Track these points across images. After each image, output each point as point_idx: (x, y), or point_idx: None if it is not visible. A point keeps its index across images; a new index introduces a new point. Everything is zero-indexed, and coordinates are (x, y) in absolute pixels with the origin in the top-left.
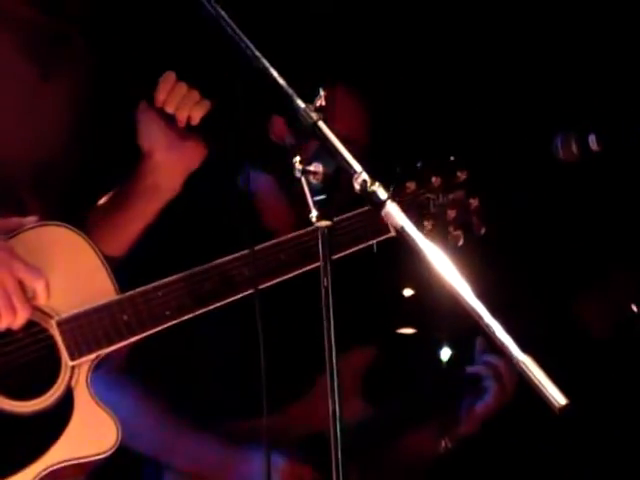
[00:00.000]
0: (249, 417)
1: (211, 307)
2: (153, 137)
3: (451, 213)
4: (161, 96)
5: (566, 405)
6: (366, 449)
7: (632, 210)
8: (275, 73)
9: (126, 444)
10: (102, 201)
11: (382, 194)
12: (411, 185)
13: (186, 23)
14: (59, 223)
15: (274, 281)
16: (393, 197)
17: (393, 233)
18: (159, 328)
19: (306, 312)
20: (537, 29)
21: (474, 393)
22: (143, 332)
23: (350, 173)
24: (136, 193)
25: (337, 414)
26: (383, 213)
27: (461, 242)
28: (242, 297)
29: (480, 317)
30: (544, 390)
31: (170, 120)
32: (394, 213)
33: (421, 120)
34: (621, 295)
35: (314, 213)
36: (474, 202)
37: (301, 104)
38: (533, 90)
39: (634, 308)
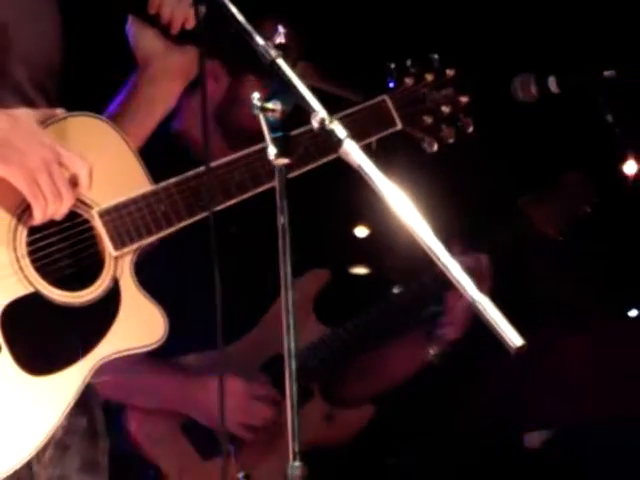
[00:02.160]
0: (204, 349)
1: (239, 198)
2: (148, 46)
3: (445, 109)
4: (155, 2)
5: (522, 346)
6: (326, 367)
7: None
8: (234, 9)
9: None
10: None
11: (340, 132)
12: (409, 81)
13: None
14: (90, 113)
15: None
16: (394, 92)
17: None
18: (194, 219)
19: (260, 241)
20: None
21: (434, 299)
22: (180, 223)
23: (309, 111)
24: (132, 109)
25: (292, 349)
26: (341, 151)
27: (453, 139)
28: (196, 232)
29: (437, 257)
30: (501, 331)
31: (163, 30)
32: (353, 151)
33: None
34: (572, 197)
35: (272, 150)
36: (464, 99)
37: (260, 41)
38: (495, 30)
39: (587, 209)
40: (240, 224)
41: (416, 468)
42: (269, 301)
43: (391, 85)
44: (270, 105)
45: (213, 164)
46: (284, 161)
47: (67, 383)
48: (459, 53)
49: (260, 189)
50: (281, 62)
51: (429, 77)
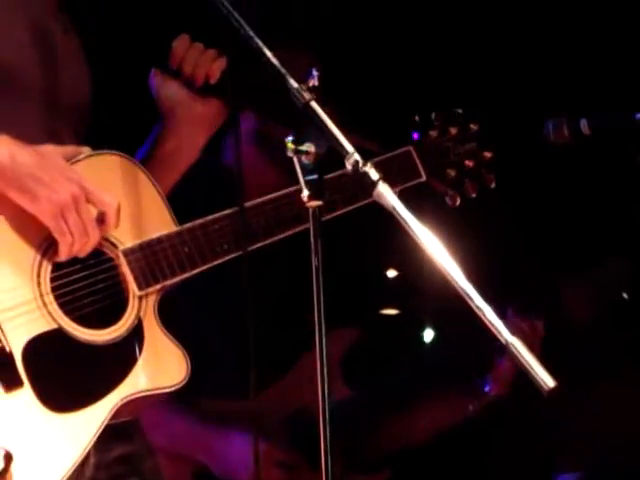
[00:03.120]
0: (229, 397)
1: (264, 242)
2: (171, 98)
3: (468, 163)
4: (178, 55)
5: (554, 387)
6: (347, 431)
7: (623, 197)
8: (269, 53)
9: None
10: None
11: (374, 174)
12: (433, 133)
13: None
14: (117, 152)
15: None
16: (419, 144)
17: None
18: (218, 261)
19: (289, 292)
20: (532, 13)
21: (500, 353)
22: (204, 265)
23: (342, 154)
24: (157, 160)
25: (325, 395)
26: (375, 194)
27: (475, 194)
28: (224, 281)
29: (471, 299)
30: (533, 372)
31: (186, 82)
32: (386, 193)
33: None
34: (613, 282)
35: (305, 193)
36: (487, 154)
37: (294, 84)
38: (527, 74)
39: (625, 295)
40: (270, 270)
41: None
42: (298, 352)
43: (415, 137)
44: (304, 148)
45: (247, 204)
46: (317, 203)
47: (88, 421)
48: (489, 99)
49: (285, 234)
50: (314, 105)
51: (453, 130)
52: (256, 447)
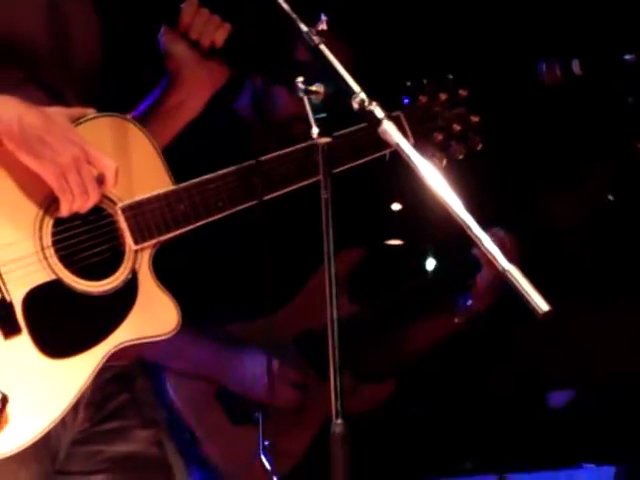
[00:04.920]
0: (246, 320)
1: (255, 202)
2: (179, 56)
3: (456, 127)
4: (185, 21)
5: (549, 311)
6: (353, 344)
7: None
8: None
9: None
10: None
11: (379, 112)
12: (423, 98)
13: None
14: (120, 115)
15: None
16: (409, 109)
17: (391, 149)
18: (212, 218)
19: (299, 217)
20: None
21: (467, 276)
22: (198, 221)
23: (349, 93)
24: (160, 112)
25: (334, 317)
26: (380, 130)
27: (462, 156)
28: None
29: (469, 228)
30: (528, 297)
31: (193, 44)
32: (390, 130)
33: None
34: (593, 188)
35: (315, 130)
36: (475, 118)
37: (304, 27)
38: (520, 16)
39: (610, 197)
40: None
41: (443, 424)
42: (307, 275)
43: (406, 102)
44: (314, 88)
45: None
46: (326, 140)
47: (82, 367)
48: (483, 42)
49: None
50: (323, 47)
51: (443, 96)
52: (269, 364)
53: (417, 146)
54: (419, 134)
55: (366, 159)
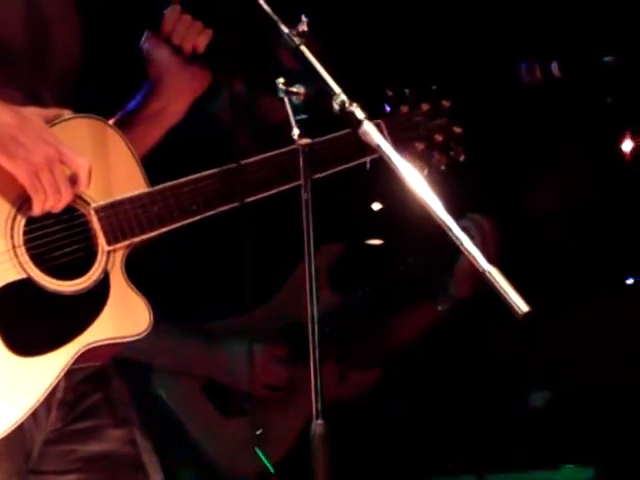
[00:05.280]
0: (231, 316)
1: (230, 206)
2: (161, 62)
3: (438, 137)
4: (168, 27)
5: (528, 311)
6: (339, 332)
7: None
8: (262, 1)
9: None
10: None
11: (359, 114)
12: (404, 108)
13: None
14: (96, 116)
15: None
16: (389, 118)
17: (372, 156)
18: (186, 221)
19: (280, 215)
20: None
21: (443, 268)
22: (172, 224)
23: (330, 94)
24: (141, 118)
25: (315, 315)
26: (360, 131)
27: (443, 167)
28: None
29: (449, 229)
30: (508, 298)
31: (175, 50)
32: (371, 131)
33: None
34: (574, 175)
35: (296, 131)
36: (457, 129)
37: (285, 29)
38: (501, 18)
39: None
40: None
41: (423, 424)
42: (287, 272)
43: (387, 110)
44: (294, 89)
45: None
46: (307, 141)
47: (50, 365)
48: (465, 40)
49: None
50: (304, 49)
51: (425, 106)
52: (251, 354)
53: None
54: (400, 143)
55: (347, 166)
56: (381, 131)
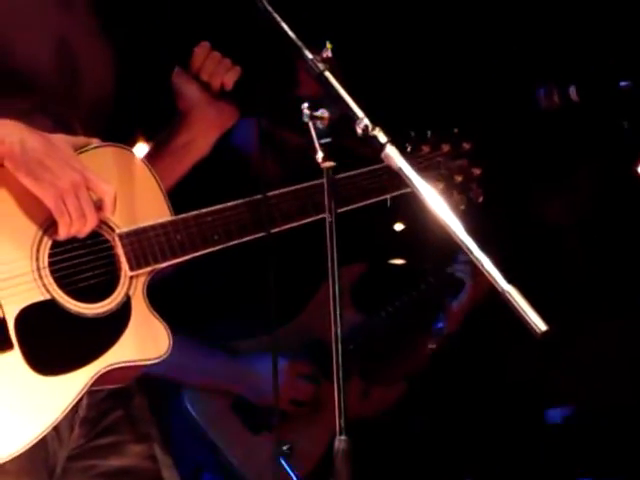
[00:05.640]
0: (251, 336)
1: (251, 237)
2: (190, 98)
3: (457, 178)
4: (197, 63)
5: (547, 330)
6: (364, 350)
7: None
8: (286, 27)
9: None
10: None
11: (382, 138)
12: (425, 148)
13: None
14: (123, 146)
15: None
16: (411, 156)
17: (393, 194)
18: (208, 250)
19: (305, 236)
20: None
21: (453, 294)
22: (194, 252)
23: (353, 119)
24: (170, 150)
25: (339, 335)
26: (383, 155)
27: (463, 207)
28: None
29: (469, 250)
30: (527, 317)
31: (204, 85)
32: (393, 155)
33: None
34: (585, 189)
35: (320, 155)
36: (476, 171)
37: (309, 55)
38: (520, 44)
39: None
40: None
41: (442, 439)
42: (311, 293)
43: (409, 150)
44: (318, 114)
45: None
46: (330, 164)
47: (70, 385)
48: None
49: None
50: (328, 74)
51: (445, 147)
52: (275, 370)
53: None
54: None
55: (368, 202)
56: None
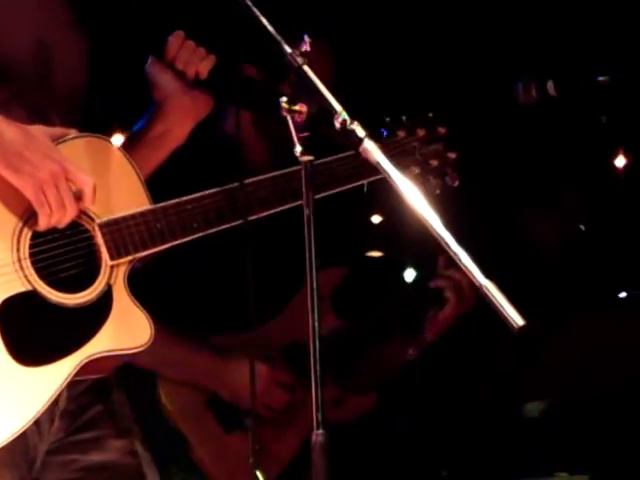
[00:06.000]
0: (233, 332)
1: (230, 224)
2: (165, 87)
3: (433, 162)
4: (171, 52)
5: (523, 326)
6: (338, 357)
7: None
8: (265, 21)
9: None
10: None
11: (360, 132)
12: (401, 133)
13: None
14: (101, 136)
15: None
16: (385, 142)
17: (369, 179)
18: (188, 238)
19: (285, 235)
20: None
21: (436, 304)
22: (174, 240)
23: (331, 112)
24: (146, 140)
25: (316, 328)
26: (361, 149)
27: (438, 191)
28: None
29: (447, 245)
30: (504, 312)
31: (179, 74)
32: (371, 149)
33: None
34: (569, 214)
35: (298, 148)
36: (452, 155)
37: (288, 49)
38: (497, 39)
39: (581, 227)
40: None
41: (420, 436)
42: (293, 292)
43: (384, 135)
44: (297, 107)
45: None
46: (309, 158)
47: (54, 376)
48: (462, 61)
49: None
50: (306, 68)
51: (420, 132)
52: (252, 372)
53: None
54: (395, 167)
55: (342, 188)
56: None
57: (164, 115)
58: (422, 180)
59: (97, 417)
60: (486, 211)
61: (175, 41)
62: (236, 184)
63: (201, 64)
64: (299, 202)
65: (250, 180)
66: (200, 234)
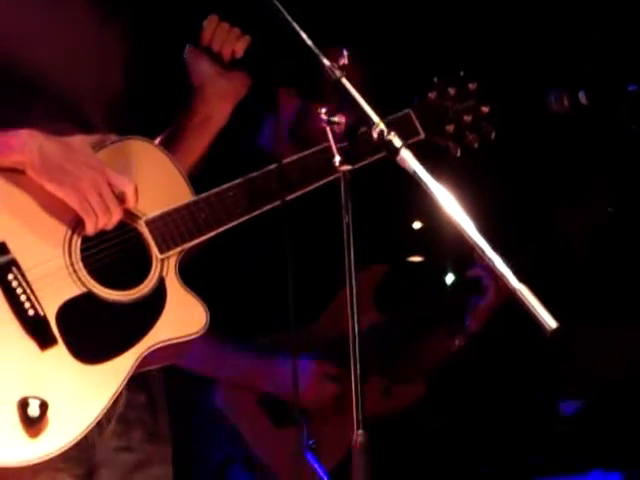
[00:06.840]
0: (279, 331)
1: (271, 205)
2: (203, 72)
3: (467, 118)
4: (207, 35)
5: (557, 328)
6: (383, 349)
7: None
8: (304, 35)
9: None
10: (158, 139)
11: (397, 142)
12: (432, 95)
13: None
14: (139, 137)
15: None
16: (418, 105)
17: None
18: (233, 224)
19: (329, 237)
20: None
21: (476, 293)
22: (219, 227)
23: (369, 124)
24: (190, 128)
25: (356, 333)
26: (398, 159)
27: (477, 144)
28: (270, 227)
29: (482, 250)
30: (538, 315)
31: (215, 58)
32: (408, 158)
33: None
34: (599, 199)
35: (337, 159)
36: (485, 108)
37: (327, 62)
38: (531, 48)
39: (609, 210)
40: (309, 222)
41: (459, 432)
42: (334, 292)
43: (415, 99)
44: (335, 119)
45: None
46: (347, 167)
47: (117, 370)
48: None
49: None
50: (345, 81)
51: (452, 91)
52: (294, 369)
53: (430, 139)
54: (430, 128)
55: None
56: (411, 121)
57: (203, 101)
58: (458, 137)
59: (140, 441)
60: (516, 210)
61: (210, 24)
62: (274, 165)
63: (237, 44)
64: (335, 175)
65: (287, 160)
66: (245, 217)
